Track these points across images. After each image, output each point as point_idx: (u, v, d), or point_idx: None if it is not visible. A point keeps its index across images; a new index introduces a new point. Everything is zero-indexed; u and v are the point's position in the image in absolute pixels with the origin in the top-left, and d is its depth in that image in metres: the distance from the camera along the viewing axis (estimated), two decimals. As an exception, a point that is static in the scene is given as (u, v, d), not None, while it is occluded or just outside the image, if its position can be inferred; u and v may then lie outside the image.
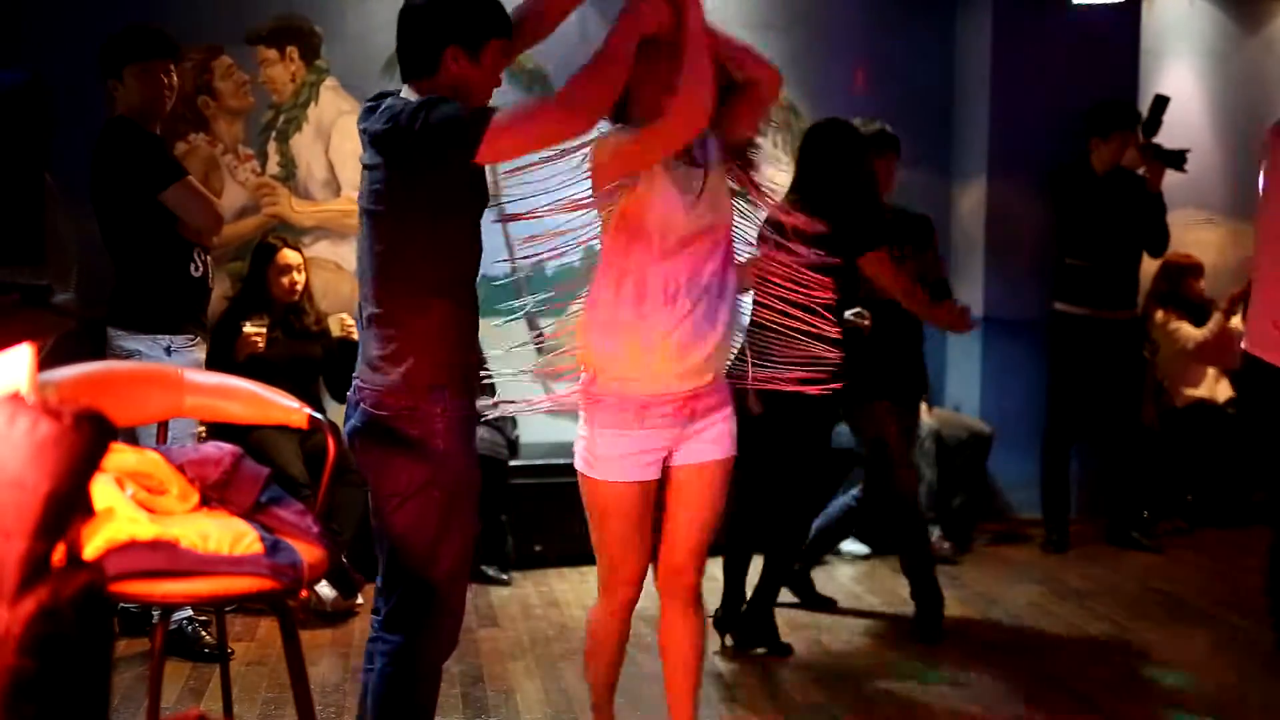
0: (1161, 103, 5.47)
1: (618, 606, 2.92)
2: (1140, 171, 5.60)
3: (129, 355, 3.92)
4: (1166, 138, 5.54)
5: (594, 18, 5.51)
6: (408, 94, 2.56)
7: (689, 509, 2.85)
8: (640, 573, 2.89)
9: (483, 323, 2.68)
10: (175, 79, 4.04)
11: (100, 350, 3.98)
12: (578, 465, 2.84)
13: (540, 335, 3.05)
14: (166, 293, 3.99)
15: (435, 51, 2.53)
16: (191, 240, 4.02)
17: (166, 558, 2.26)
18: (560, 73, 5.50)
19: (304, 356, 4.85)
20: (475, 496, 2.65)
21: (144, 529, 2.28)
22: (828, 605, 4.62)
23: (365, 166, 2.58)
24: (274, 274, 4.83)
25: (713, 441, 2.82)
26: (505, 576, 4.99)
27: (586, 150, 2.68)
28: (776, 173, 3.19)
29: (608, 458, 2.78)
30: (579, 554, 4.08)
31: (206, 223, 4.03)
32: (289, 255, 4.85)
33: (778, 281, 2.92)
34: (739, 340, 2.90)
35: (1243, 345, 4.19)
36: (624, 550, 2.84)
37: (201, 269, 4.07)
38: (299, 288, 4.85)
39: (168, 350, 3.95)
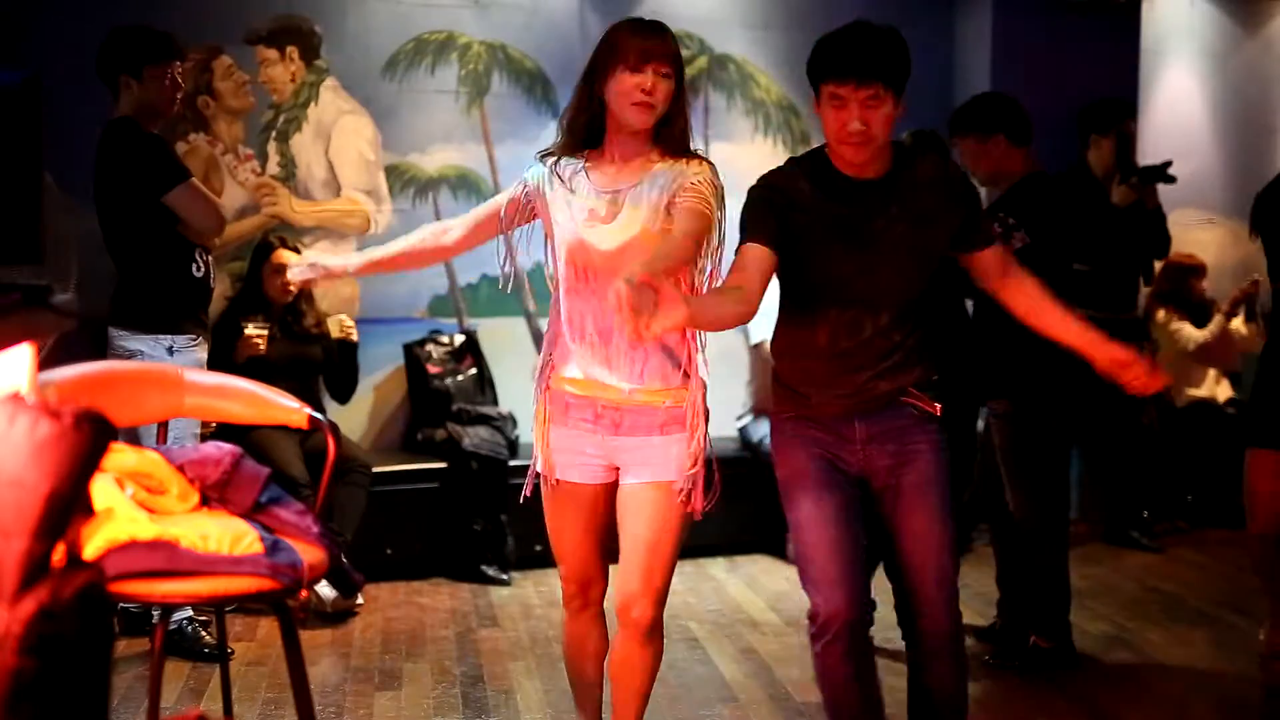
0: (1164, 173, 5.35)
1: (569, 605, 2.94)
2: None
3: (131, 355, 3.93)
4: (1165, 138, 5.53)
5: (594, 18, 5.55)
6: None
7: (628, 530, 2.76)
8: (576, 573, 2.88)
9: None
10: (182, 80, 4.06)
11: (101, 350, 3.98)
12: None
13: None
14: (168, 293, 4.00)
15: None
16: (193, 241, 4.03)
17: (166, 558, 2.26)
18: (560, 73, 5.51)
19: (304, 357, 4.85)
20: (817, 485, 2.73)
21: (144, 529, 2.28)
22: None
23: None
24: (268, 274, 4.82)
25: (643, 464, 2.73)
26: (505, 576, 4.99)
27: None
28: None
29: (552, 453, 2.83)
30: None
31: (210, 224, 4.04)
32: (284, 255, 4.83)
33: None
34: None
35: None
36: (559, 545, 2.88)
37: (203, 269, 4.08)
38: (293, 288, 4.84)
39: (170, 350, 3.96)
